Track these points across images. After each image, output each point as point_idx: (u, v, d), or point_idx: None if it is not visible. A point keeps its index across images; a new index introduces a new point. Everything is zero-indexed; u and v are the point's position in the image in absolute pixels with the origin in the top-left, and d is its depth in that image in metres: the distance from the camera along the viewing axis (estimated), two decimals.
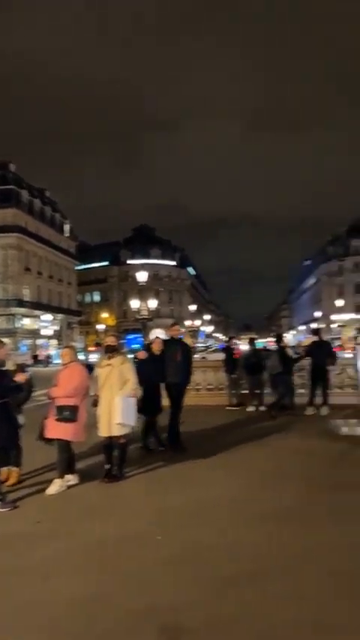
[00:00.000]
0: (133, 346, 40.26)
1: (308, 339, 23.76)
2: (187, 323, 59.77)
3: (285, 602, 3.17)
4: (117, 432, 6.01)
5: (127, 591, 3.42)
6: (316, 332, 12.34)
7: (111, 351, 6.28)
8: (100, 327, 62.55)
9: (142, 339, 33.90)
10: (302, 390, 11.75)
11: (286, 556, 3.86)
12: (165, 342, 7.93)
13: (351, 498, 5.12)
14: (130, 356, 8.28)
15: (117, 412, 5.91)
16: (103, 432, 6.08)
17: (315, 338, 12.10)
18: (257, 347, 13.68)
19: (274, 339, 13.02)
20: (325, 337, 14.49)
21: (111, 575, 3.67)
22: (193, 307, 71.83)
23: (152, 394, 7.37)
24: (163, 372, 7.50)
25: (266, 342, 31.70)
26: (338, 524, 4.45)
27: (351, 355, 15.82)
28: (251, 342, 13.24)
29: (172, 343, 7.89)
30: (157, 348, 7.73)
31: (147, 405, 7.21)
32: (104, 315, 69.11)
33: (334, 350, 12.29)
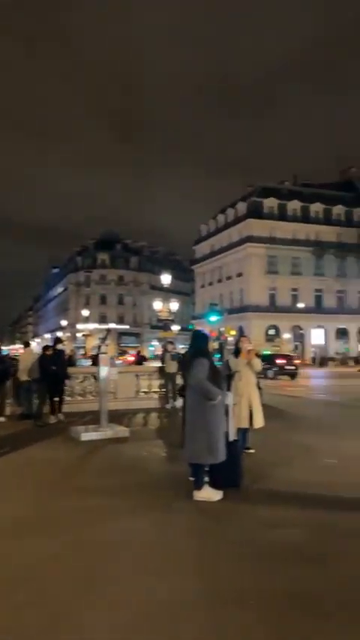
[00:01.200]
0: None
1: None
2: None
3: (32, 607, 3.22)
4: None
5: None
6: (58, 341, 12.64)
7: None
8: None
9: None
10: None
11: (29, 563, 3.90)
12: None
13: (89, 501, 5.44)
14: None
15: None
16: None
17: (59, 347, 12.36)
18: (3, 354, 13.23)
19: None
20: (70, 346, 14.76)
21: None
22: None
23: None
24: None
25: (9, 349, 30.60)
26: (79, 525, 4.69)
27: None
28: None
29: None
30: None
31: None
32: None
33: (65, 359, 12.77)
